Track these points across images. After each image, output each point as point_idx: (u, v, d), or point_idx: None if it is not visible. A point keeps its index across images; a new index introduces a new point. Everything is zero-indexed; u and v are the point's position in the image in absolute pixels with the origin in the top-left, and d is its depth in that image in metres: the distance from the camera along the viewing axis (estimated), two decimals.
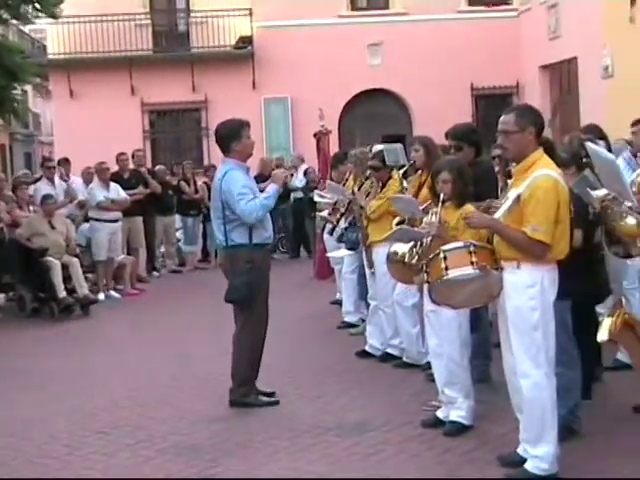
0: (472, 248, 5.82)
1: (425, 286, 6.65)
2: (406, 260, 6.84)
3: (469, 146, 7.76)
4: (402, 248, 6.96)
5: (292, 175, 18.95)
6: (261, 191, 7.94)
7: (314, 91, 23.45)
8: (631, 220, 6.74)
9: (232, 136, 7.78)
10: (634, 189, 3.80)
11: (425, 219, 6.73)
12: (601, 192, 6.12)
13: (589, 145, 3.70)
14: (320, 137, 15.11)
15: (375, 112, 25.31)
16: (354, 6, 25.96)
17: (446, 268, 5.83)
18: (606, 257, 7.64)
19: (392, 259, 7.17)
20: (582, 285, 6.39)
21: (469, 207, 6.57)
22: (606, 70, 20.61)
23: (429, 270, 6.01)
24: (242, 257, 7.69)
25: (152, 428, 7.38)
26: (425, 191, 8.26)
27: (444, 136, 8.26)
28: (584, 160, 6.76)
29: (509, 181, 6.94)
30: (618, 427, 6.74)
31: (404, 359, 8.94)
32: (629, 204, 5.59)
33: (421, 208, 7.23)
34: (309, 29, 24.62)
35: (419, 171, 8.56)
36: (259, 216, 7.65)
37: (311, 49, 24.43)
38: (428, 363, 8.45)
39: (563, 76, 24.00)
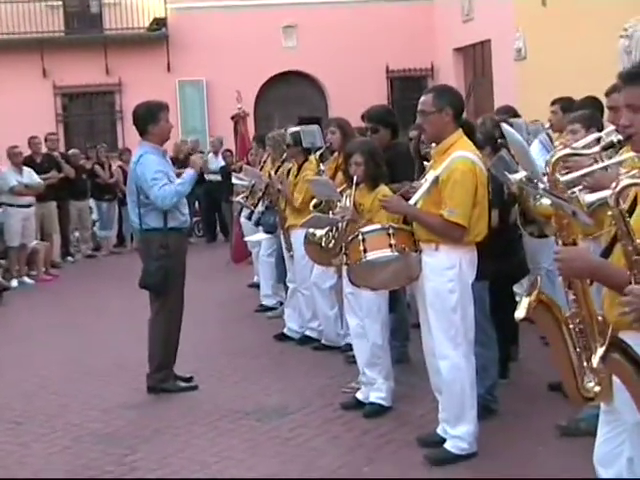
0: (391, 230, 5.83)
1: (344, 268, 6.66)
2: (323, 244, 6.82)
3: (385, 128, 7.75)
4: (319, 230, 6.94)
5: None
6: (178, 176, 7.84)
7: (229, 74, 23.26)
8: (546, 200, 6.85)
9: (150, 118, 7.64)
10: (548, 169, 3.79)
11: (339, 203, 6.70)
12: (519, 174, 6.16)
13: (504, 126, 3.72)
14: (238, 120, 14.96)
15: (291, 95, 25.21)
16: None
17: (365, 250, 5.83)
18: (524, 237, 7.75)
19: (310, 240, 7.15)
20: (499, 265, 6.47)
21: (385, 190, 6.56)
22: (519, 53, 20.83)
23: (348, 252, 6.01)
24: (156, 241, 7.57)
25: (67, 417, 7.26)
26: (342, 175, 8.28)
27: (360, 118, 8.24)
28: (499, 141, 6.83)
29: (425, 163, 7.00)
30: (534, 406, 6.83)
31: (322, 342, 8.95)
32: (542, 185, 5.63)
33: (339, 190, 7.22)
34: (224, 11, 24.40)
35: (335, 153, 8.55)
36: (173, 202, 7.52)
37: (226, 31, 24.20)
38: (347, 345, 8.52)
39: (477, 59, 24.20)
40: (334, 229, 6.64)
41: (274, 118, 21.17)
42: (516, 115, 8.99)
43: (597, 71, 14.21)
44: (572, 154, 4.11)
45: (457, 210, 5.55)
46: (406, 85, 25.83)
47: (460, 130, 5.80)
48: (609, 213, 3.38)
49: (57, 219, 16.29)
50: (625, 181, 3.29)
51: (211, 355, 9.03)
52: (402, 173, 7.24)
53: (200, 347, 9.16)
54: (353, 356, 8.07)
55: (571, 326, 3.67)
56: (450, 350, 5.78)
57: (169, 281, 7.58)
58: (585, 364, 3.66)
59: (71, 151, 18.33)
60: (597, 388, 3.66)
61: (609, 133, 5.48)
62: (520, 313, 3.69)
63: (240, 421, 6.90)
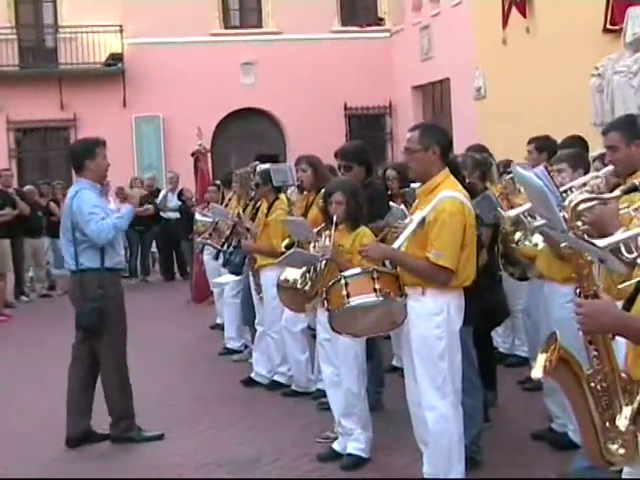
0: (375, 274, 5.53)
1: (320, 314, 6.38)
2: (298, 286, 6.51)
3: (359, 166, 7.49)
4: (293, 274, 6.62)
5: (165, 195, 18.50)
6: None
7: (186, 110, 22.99)
8: (531, 241, 6.64)
9: (86, 154, 7.34)
10: (567, 215, 3.54)
11: (318, 243, 6.41)
12: (512, 212, 5.96)
13: (517, 169, 3.47)
14: (198, 156, 14.68)
15: (248, 131, 24.98)
16: (227, 24, 25.57)
17: (348, 295, 5.53)
18: (504, 279, 7.54)
19: (283, 287, 6.82)
20: (478, 309, 6.20)
21: (365, 231, 6.31)
22: (479, 91, 20.82)
23: (329, 297, 5.69)
24: (93, 282, 7.23)
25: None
26: (315, 212, 8.01)
27: (333, 156, 8.00)
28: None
29: (391, 203, 6.76)
30: (520, 456, 6.55)
31: (293, 387, 8.62)
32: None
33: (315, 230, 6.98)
34: (181, 47, 24.14)
35: (304, 192, 8.31)
36: (109, 237, 7.19)
37: (183, 67, 23.96)
38: (318, 391, 8.22)
39: (436, 97, 24.18)
40: (311, 270, 6.33)
41: (230, 156, 20.96)
42: (488, 153, 8.79)
43: (566, 110, 14.27)
44: (591, 198, 3.86)
45: (445, 253, 5.29)
46: (364, 123, 25.75)
47: (447, 169, 5.57)
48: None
49: (11, 257, 15.81)
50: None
51: (175, 402, 8.62)
52: (377, 212, 6.99)
53: (163, 394, 8.79)
54: (325, 403, 7.79)
55: (592, 384, 3.41)
56: (437, 400, 5.50)
57: (106, 323, 7.21)
58: (608, 425, 3.40)
59: (26, 187, 17.87)
60: (622, 450, 3.39)
61: (607, 172, 5.32)
62: (537, 373, 3.42)
63: (211, 474, 6.55)
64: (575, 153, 6.97)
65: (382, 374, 7.89)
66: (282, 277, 6.76)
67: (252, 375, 9.12)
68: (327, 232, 6.35)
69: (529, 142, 9.12)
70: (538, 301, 6.87)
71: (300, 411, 8.02)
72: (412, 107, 24.80)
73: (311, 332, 8.91)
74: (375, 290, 5.49)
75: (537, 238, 6.63)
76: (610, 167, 5.30)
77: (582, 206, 3.44)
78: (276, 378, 8.87)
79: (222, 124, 25.11)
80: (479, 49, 20.23)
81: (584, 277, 3.37)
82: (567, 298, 6.45)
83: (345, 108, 25.52)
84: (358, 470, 6.43)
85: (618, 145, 5.18)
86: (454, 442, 5.56)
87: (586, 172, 6.60)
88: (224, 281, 10.38)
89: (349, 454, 6.55)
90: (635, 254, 4.25)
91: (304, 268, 6.52)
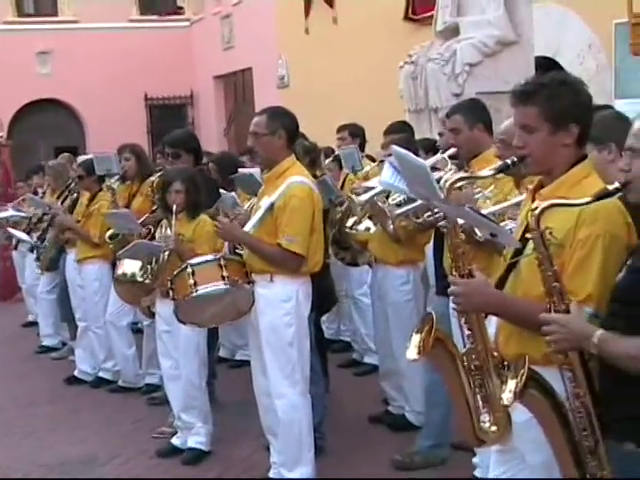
0: (222, 261, 5.41)
1: (160, 305, 6.20)
2: (138, 279, 6.29)
3: (187, 153, 7.29)
4: (131, 268, 6.39)
5: None
6: None
7: None
8: (364, 226, 6.68)
9: None
10: (443, 194, 3.51)
11: (158, 233, 6.22)
12: (364, 196, 5.96)
13: (396, 148, 3.44)
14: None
15: (46, 123, 24.16)
16: (20, 12, 24.58)
17: (195, 284, 5.37)
18: (331, 265, 7.54)
19: (120, 281, 6.57)
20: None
21: (206, 218, 6.19)
22: (282, 80, 20.87)
23: (174, 286, 5.51)
24: None
25: None
26: (139, 201, 7.81)
27: (161, 144, 7.81)
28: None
29: (222, 191, 6.66)
30: (361, 439, 6.60)
31: (120, 383, 8.36)
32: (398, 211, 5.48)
33: (140, 220, 6.79)
34: None
35: (127, 181, 8.08)
36: None
37: None
38: (147, 386, 8.03)
39: (238, 86, 24.08)
40: (152, 262, 6.13)
41: (37, 147, 20.20)
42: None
43: (376, 97, 14.49)
44: (466, 177, 3.86)
45: (296, 238, 5.23)
46: (166, 113, 25.34)
47: (293, 155, 5.50)
48: (528, 235, 3.15)
49: None
50: (546, 202, 3.06)
51: None
52: (207, 200, 6.85)
53: None
54: (156, 397, 7.66)
55: (466, 363, 3.41)
56: (287, 388, 5.44)
57: None
58: (480, 403, 3.42)
59: None
60: (494, 428, 3.42)
61: (450, 154, 5.40)
62: (412, 353, 3.39)
63: (46, 477, 6.24)
64: (404, 139, 7.05)
65: (213, 365, 7.75)
66: (119, 271, 6.50)
67: (75, 373, 8.78)
68: (166, 222, 6.16)
69: (340, 129, 9.20)
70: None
71: (130, 407, 7.78)
72: (214, 97, 24.65)
73: (135, 326, 8.71)
74: (223, 278, 5.37)
75: (369, 223, 6.68)
76: (452, 149, 5.38)
77: (458, 185, 3.43)
78: (101, 374, 8.58)
79: (19, 116, 24.15)
80: (282, 38, 20.27)
81: (458, 256, 3.35)
82: (401, 281, 6.56)
83: (146, 98, 25.08)
84: (200, 464, 6.30)
85: (461, 128, 5.26)
86: (304, 430, 5.51)
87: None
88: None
89: (190, 448, 6.40)
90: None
91: (143, 261, 6.31)
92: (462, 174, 3.98)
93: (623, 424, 2.97)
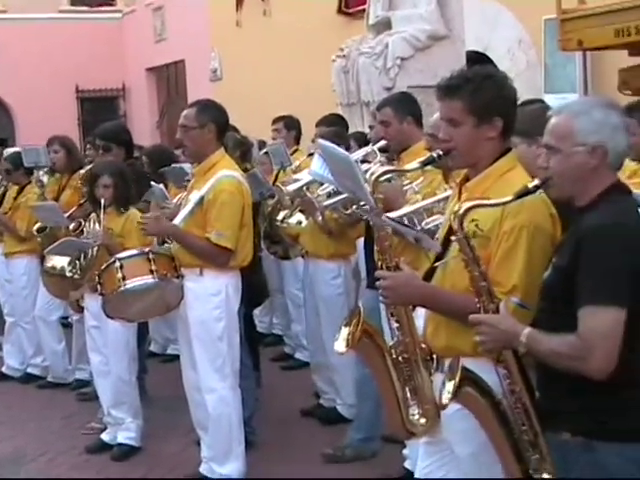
0: (151, 255, 5.36)
1: (89, 300, 6.13)
2: (67, 274, 6.20)
3: (119, 147, 7.22)
4: (61, 262, 6.31)
5: None
6: None
7: None
8: (295, 219, 6.68)
9: None
10: (369, 189, 3.51)
11: (87, 227, 6.14)
12: (292, 187, 5.96)
13: (321, 141, 3.45)
14: None
15: None
16: None
17: (123, 278, 5.31)
18: (264, 259, 7.53)
19: (50, 273, 6.49)
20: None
21: (135, 213, 6.12)
22: (214, 73, 20.77)
23: (102, 281, 5.45)
24: None
25: None
26: (68, 195, 7.73)
27: (91, 136, 7.73)
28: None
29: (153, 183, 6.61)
30: (292, 433, 6.60)
31: (49, 378, 8.25)
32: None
33: (66, 215, 6.70)
34: None
35: (56, 174, 8.00)
36: None
37: None
38: (77, 381, 7.94)
39: (170, 78, 23.88)
40: (81, 257, 6.05)
41: None
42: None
43: (309, 90, 14.48)
44: (392, 170, 3.86)
45: (225, 233, 5.21)
46: (97, 105, 25.00)
47: (222, 148, 5.48)
48: (452, 238, 3.17)
49: None
50: (468, 203, 3.08)
51: None
52: (138, 194, 6.79)
53: None
54: (86, 393, 7.58)
55: (394, 356, 3.43)
56: (217, 382, 5.42)
57: None
58: (409, 396, 3.44)
59: None
60: (423, 420, 3.44)
61: (379, 147, 5.41)
62: (340, 346, 3.40)
63: None
64: (335, 131, 7.06)
65: (144, 360, 7.68)
66: (49, 264, 6.43)
67: (3, 369, 8.64)
68: (94, 216, 6.09)
69: (275, 121, 9.18)
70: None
71: (60, 403, 7.69)
72: (146, 89, 24.40)
73: (64, 321, 8.59)
74: (152, 272, 5.32)
75: (300, 216, 6.69)
76: (382, 142, 5.39)
77: (383, 178, 3.44)
78: (30, 370, 8.46)
79: None
80: (214, 31, 20.16)
81: (385, 249, 3.36)
82: (333, 274, 6.58)
83: (77, 91, 24.73)
84: (130, 460, 6.25)
85: (391, 121, 5.28)
86: (234, 424, 5.50)
87: (346, 149, 6.71)
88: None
89: (120, 444, 6.34)
90: (418, 228, 4.36)
91: (72, 256, 6.23)
92: (388, 167, 3.99)
93: (558, 415, 3.02)
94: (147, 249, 5.46)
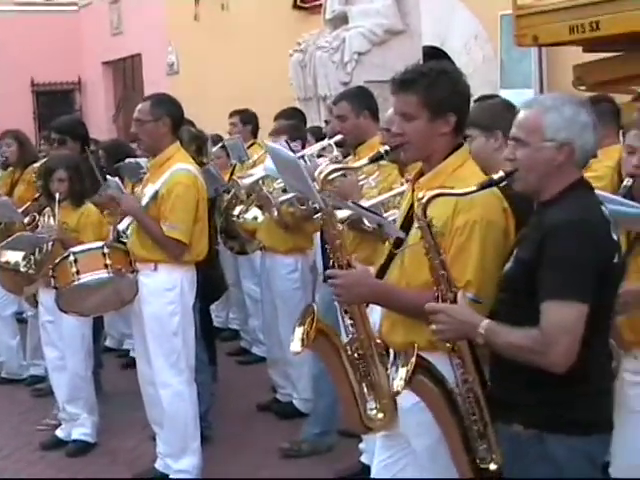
0: (106, 249, 5.33)
1: (43, 295, 6.07)
2: (22, 269, 6.13)
3: (74, 140, 7.16)
4: (14, 256, 6.22)
5: None
6: None
7: None
8: (251, 214, 6.67)
9: None
10: (317, 186, 3.50)
11: (41, 222, 6.09)
12: (248, 180, 5.94)
13: (268, 143, 3.44)
14: None
15: None
16: None
17: (77, 272, 5.27)
18: (221, 253, 7.51)
19: (3, 267, 6.41)
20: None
21: (91, 207, 6.08)
22: (171, 67, 20.66)
23: (56, 275, 5.41)
24: None
25: None
26: (21, 189, 7.66)
27: (48, 129, 7.66)
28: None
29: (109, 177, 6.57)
30: (248, 428, 6.58)
31: (3, 374, 8.15)
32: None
33: (21, 210, 6.65)
34: None
35: (9, 168, 7.92)
36: None
37: None
38: (31, 377, 7.87)
39: (127, 72, 23.72)
40: (36, 252, 5.99)
41: None
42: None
43: (266, 85, 14.45)
44: (340, 168, 3.86)
45: (179, 226, 5.20)
46: (53, 99, 24.77)
47: (177, 142, 5.46)
48: (415, 225, 3.17)
49: None
50: (433, 191, 3.08)
51: None
52: (91, 188, 6.74)
53: None
54: (40, 389, 7.52)
55: (349, 353, 3.44)
56: (172, 377, 5.41)
57: None
58: (366, 391, 3.44)
59: None
60: (380, 415, 3.45)
61: (335, 141, 5.41)
62: (296, 346, 3.41)
63: None
64: (292, 125, 7.06)
65: (100, 355, 7.63)
66: (3, 259, 6.33)
67: None
68: (49, 211, 6.04)
69: (231, 115, 9.16)
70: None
71: (15, 399, 7.62)
72: (103, 83, 24.21)
73: (19, 316, 8.51)
74: (106, 266, 5.29)
75: (256, 211, 6.68)
76: (338, 136, 5.40)
77: (332, 176, 3.43)
78: None
79: None
80: (171, 25, 20.04)
81: (336, 247, 3.36)
82: (289, 269, 6.57)
83: (32, 84, 24.50)
84: (85, 456, 6.21)
85: (348, 115, 5.28)
86: (189, 420, 5.49)
87: (303, 143, 6.71)
88: None
89: (75, 440, 6.30)
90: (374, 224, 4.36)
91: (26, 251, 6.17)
92: (335, 165, 3.98)
93: (513, 407, 3.04)
94: (102, 243, 5.42)
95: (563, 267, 2.86)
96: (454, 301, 3.06)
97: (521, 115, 3.08)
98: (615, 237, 3.00)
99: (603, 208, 3.04)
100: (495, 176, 3.07)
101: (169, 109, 5.39)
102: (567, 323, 2.85)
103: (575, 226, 2.91)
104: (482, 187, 3.08)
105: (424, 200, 3.06)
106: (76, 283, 5.32)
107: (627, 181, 3.82)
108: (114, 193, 5.56)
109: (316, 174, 3.41)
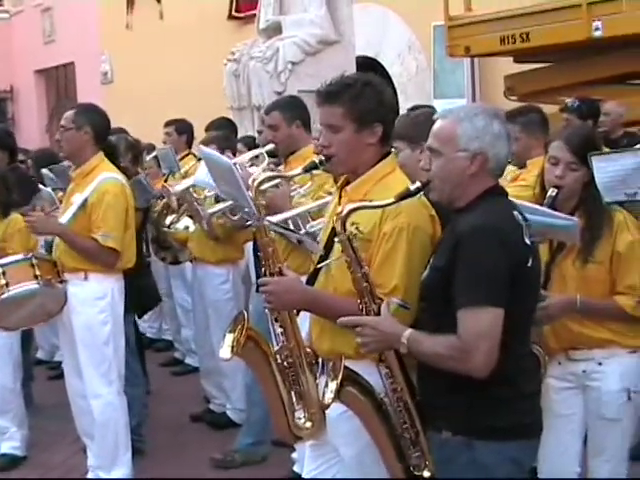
0: (34, 260, 5.25)
1: None
2: None
3: (2, 150, 7.05)
4: None
5: None
6: None
7: None
8: (182, 224, 6.64)
9: None
10: (251, 194, 3.51)
11: None
12: (179, 187, 5.92)
13: (203, 149, 3.43)
14: None
15: None
16: None
17: (7, 284, 5.19)
18: (153, 263, 7.47)
19: None
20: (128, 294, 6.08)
21: (18, 217, 5.99)
22: (105, 75, 20.53)
23: None
24: None
25: None
26: None
27: None
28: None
29: (41, 186, 6.51)
30: (181, 439, 6.54)
31: None
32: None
33: None
34: None
35: None
36: None
37: None
38: None
39: (60, 81, 23.50)
40: None
41: None
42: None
43: (201, 94, 14.41)
44: (274, 177, 3.86)
45: (112, 234, 5.18)
46: None
47: (102, 153, 5.42)
48: (336, 239, 3.18)
49: None
50: (351, 205, 3.10)
51: None
52: (23, 198, 6.66)
53: None
54: None
55: (279, 361, 3.44)
56: (103, 388, 5.36)
57: None
58: (295, 400, 3.45)
59: None
60: (308, 424, 3.46)
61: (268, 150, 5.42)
62: (226, 353, 3.39)
63: None
64: (222, 135, 7.04)
65: (30, 367, 7.53)
66: None
67: None
68: None
69: (167, 125, 9.11)
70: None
71: None
72: (35, 92, 23.95)
73: None
74: (36, 277, 5.22)
75: (187, 221, 6.64)
76: (270, 145, 5.40)
77: (265, 185, 3.43)
78: None
79: None
80: (104, 33, 19.92)
81: (268, 255, 3.36)
82: (221, 279, 6.56)
83: None
84: (15, 469, 6.11)
85: (279, 125, 5.29)
86: (120, 430, 5.44)
87: (234, 153, 6.69)
88: None
89: (3, 454, 6.19)
90: (303, 231, 4.38)
91: None
92: (270, 173, 3.99)
93: (438, 414, 3.06)
94: (30, 254, 5.35)
95: (474, 273, 2.90)
96: (378, 313, 3.07)
97: (436, 125, 3.11)
98: (528, 241, 3.03)
99: (515, 213, 3.07)
100: (412, 187, 3.11)
101: (93, 119, 5.39)
102: (483, 328, 2.88)
103: (485, 231, 2.94)
104: (400, 198, 3.11)
105: (343, 214, 3.08)
106: (5, 296, 5.22)
107: (552, 191, 3.87)
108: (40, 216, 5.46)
109: (250, 181, 3.40)
